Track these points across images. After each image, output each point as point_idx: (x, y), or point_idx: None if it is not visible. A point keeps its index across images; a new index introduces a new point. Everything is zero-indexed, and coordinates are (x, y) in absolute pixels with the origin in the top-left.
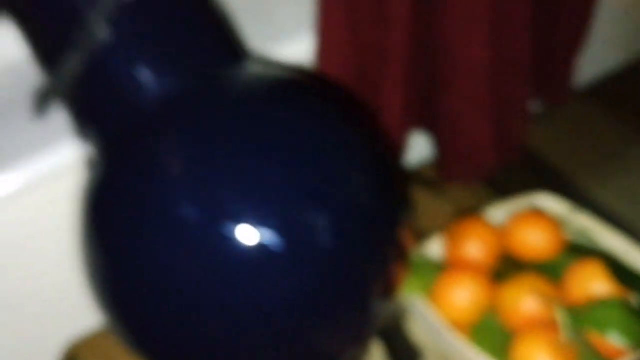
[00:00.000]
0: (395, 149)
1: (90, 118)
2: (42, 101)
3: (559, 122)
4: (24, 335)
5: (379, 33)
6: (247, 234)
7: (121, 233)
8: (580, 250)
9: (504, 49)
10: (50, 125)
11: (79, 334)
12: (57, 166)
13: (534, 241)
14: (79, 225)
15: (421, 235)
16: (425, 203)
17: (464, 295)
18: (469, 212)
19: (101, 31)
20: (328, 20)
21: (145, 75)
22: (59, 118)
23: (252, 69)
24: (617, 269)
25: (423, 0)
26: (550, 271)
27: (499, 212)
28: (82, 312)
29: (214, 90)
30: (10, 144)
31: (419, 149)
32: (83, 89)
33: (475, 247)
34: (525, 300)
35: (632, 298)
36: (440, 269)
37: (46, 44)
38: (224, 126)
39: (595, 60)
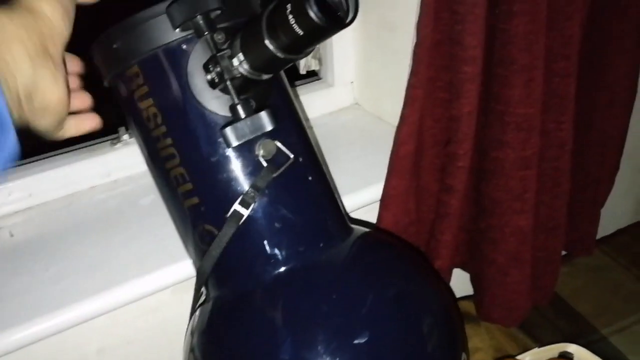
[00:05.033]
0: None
1: (225, 272)
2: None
3: (583, 270)
4: None
5: (441, 197)
6: None
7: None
8: None
9: (543, 215)
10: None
11: None
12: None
13: None
14: (190, 341)
15: None
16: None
17: None
18: (508, 357)
19: (252, 203)
20: (396, 180)
21: (275, 248)
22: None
23: (353, 240)
24: None
25: (479, 174)
26: None
27: (534, 357)
28: None
29: (322, 267)
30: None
31: (454, 282)
32: (226, 250)
33: None
34: None
35: None
36: None
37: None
38: (327, 296)
39: (612, 215)
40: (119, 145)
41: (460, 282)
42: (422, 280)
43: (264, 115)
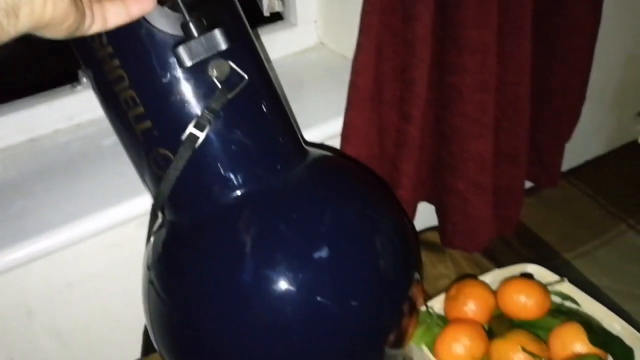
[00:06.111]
0: (409, 218)
1: (182, 197)
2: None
3: (550, 202)
4: None
5: (400, 125)
6: (291, 297)
7: (187, 286)
8: (563, 314)
9: (505, 143)
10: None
11: None
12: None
13: (524, 303)
14: (148, 274)
15: (427, 293)
16: (429, 264)
17: (462, 347)
18: (469, 276)
19: (207, 125)
20: (356, 111)
21: (232, 171)
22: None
23: (311, 163)
24: (595, 332)
25: (437, 100)
26: (536, 330)
27: (495, 278)
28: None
29: (281, 189)
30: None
31: (422, 214)
32: (183, 174)
33: (473, 306)
34: (515, 355)
35: (607, 358)
36: (443, 324)
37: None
38: (285, 216)
39: (580, 147)
40: (79, 88)
41: (429, 215)
42: (377, 201)
43: (217, 34)
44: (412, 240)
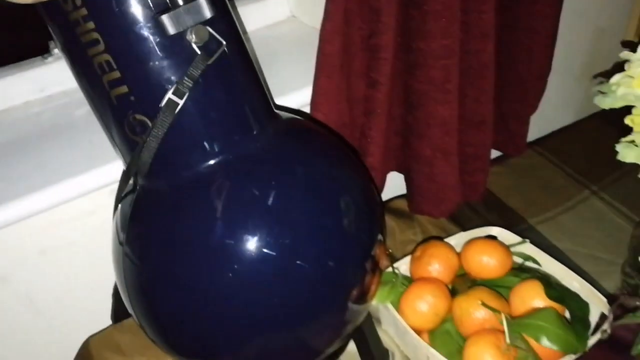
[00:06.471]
0: (376, 185)
1: (158, 163)
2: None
3: (517, 170)
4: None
5: (367, 92)
6: (260, 251)
7: (161, 248)
8: (524, 272)
9: (469, 109)
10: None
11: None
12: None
13: (486, 263)
14: (118, 238)
15: (394, 257)
16: (398, 230)
17: (425, 304)
18: (434, 238)
19: (186, 92)
20: (324, 79)
21: (210, 138)
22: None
23: (283, 127)
24: (552, 288)
25: (403, 67)
26: (498, 288)
27: (459, 240)
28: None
29: (258, 154)
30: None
31: (393, 185)
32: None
33: (437, 266)
34: (475, 310)
35: (564, 313)
36: (409, 283)
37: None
38: (259, 180)
39: (548, 118)
40: (50, 59)
41: (400, 185)
42: (343, 164)
43: (202, 2)
44: (376, 204)
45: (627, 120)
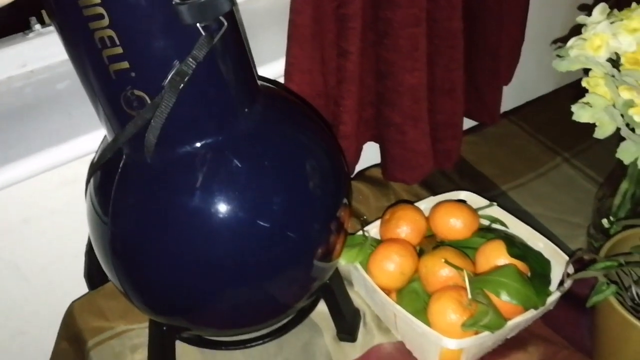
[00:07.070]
0: (349, 154)
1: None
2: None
3: (491, 139)
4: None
5: (338, 62)
6: (233, 213)
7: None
8: (490, 233)
9: (439, 77)
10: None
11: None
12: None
13: (453, 224)
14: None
15: (367, 221)
16: (373, 197)
17: (392, 264)
18: (404, 202)
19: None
20: (296, 50)
21: (209, 116)
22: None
23: (266, 102)
24: (515, 246)
25: (372, 36)
26: (465, 249)
27: (429, 204)
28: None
29: (251, 132)
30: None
31: (372, 155)
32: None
33: (406, 228)
34: (440, 269)
35: (527, 271)
36: (378, 244)
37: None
38: (249, 154)
39: (528, 88)
40: (32, 35)
41: (376, 155)
42: (315, 133)
43: None
44: (343, 170)
45: (584, 83)
